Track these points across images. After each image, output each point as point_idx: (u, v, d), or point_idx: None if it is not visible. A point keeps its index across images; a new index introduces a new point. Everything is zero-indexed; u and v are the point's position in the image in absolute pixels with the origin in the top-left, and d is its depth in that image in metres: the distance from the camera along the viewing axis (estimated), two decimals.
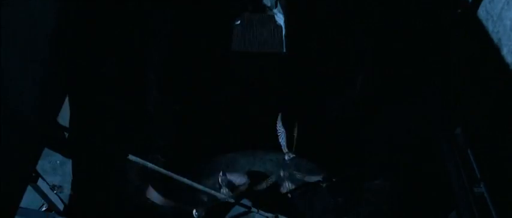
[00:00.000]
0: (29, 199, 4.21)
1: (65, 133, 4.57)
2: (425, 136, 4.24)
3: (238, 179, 4.64)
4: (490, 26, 3.43)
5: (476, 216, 3.39)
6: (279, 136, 4.88)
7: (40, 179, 3.89)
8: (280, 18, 5.55)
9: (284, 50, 4.96)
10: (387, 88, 4.68)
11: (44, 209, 4.47)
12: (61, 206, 4.39)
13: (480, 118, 3.65)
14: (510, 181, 3.17)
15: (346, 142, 4.90)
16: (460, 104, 3.88)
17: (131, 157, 3.57)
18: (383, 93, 4.67)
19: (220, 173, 4.68)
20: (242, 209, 4.67)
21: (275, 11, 5.69)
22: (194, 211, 4.60)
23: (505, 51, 3.19)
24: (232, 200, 4.20)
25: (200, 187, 3.86)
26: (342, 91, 4.89)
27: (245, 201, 4.59)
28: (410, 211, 4.69)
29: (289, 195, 5.02)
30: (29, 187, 3.77)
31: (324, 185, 4.90)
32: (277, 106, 4.86)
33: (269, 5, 5.69)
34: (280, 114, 4.84)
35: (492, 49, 3.30)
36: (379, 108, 4.75)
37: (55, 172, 4.76)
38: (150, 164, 3.62)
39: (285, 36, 5.20)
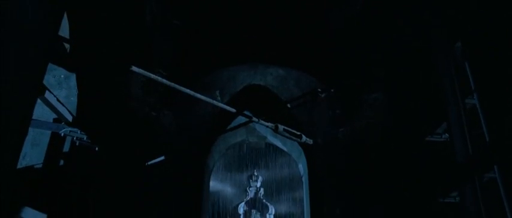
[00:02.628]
0: (39, 112, 4.38)
1: (66, 45, 4.57)
2: (423, 48, 4.25)
3: None
4: None
5: (466, 127, 3.54)
6: None
7: (47, 92, 3.99)
8: None
9: None
10: (387, 3, 4.58)
11: None
12: (70, 118, 4.57)
13: (481, 29, 3.62)
14: (502, 93, 3.25)
15: (346, 55, 4.93)
16: (461, 18, 3.82)
17: (134, 68, 3.57)
18: (383, 6, 4.58)
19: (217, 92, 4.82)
20: (243, 119, 4.85)
21: None
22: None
23: None
24: (233, 111, 4.33)
25: (202, 97, 3.93)
26: (343, 5, 4.79)
27: (246, 112, 4.74)
28: (404, 122, 4.89)
29: (288, 105, 5.19)
30: (39, 101, 3.90)
31: (323, 96, 5.04)
32: (278, 18, 4.80)
33: None
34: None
35: None
36: (378, 21, 4.69)
37: (60, 86, 4.85)
38: (152, 75, 3.64)
39: None
